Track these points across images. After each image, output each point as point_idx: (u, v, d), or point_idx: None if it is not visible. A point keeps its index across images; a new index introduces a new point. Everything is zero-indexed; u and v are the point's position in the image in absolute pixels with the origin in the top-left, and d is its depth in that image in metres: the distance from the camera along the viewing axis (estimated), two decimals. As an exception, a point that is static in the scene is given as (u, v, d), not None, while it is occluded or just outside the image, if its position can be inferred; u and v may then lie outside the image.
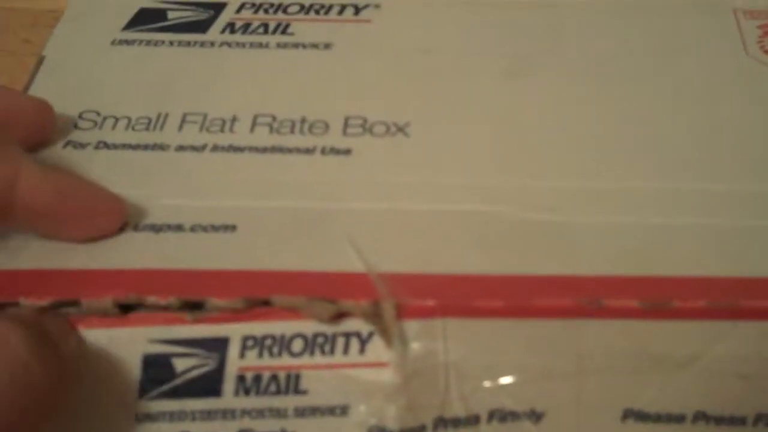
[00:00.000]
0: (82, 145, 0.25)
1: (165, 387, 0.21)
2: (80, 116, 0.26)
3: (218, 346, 0.21)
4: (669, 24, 0.28)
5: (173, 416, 0.21)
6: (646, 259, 0.22)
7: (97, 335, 0.21)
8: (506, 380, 0.21)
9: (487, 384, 0.21)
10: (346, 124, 0.25)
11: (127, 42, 0.28)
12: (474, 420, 0.21)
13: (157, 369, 0.21)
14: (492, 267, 0.22)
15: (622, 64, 0.27)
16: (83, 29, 0.29)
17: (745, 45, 0.28)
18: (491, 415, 0.21)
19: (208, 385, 0.21)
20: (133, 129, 0.26)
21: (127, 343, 0.21)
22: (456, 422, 0.21)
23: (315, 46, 0.28)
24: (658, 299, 0.21)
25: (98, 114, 0.26)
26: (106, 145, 0.25)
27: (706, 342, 0.21)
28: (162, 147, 0.25)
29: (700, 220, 0.23)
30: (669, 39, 0.28)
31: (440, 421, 0.21)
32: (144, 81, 0.27)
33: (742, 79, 0.27)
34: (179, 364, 0.21)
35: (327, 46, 0.28)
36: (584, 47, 0.28)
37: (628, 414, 0.21)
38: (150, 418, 0.21)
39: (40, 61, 0.28)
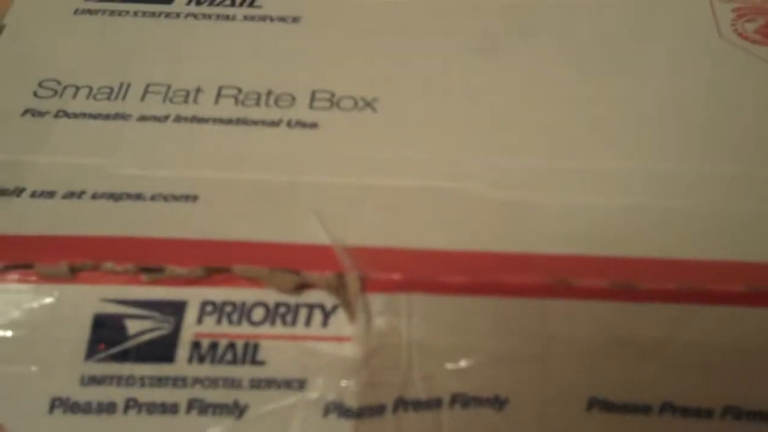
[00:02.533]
0: (41, 114, 0.25)
1: (115, 349, 0.21)
2: (40, 85, 0.26)
3: (175, 309, 0.21)
4: (643, 6, 0.29)
5: (121, 381, 0.21)
6: (615, 239, 0.22)
7: (45, 291, 0.21)
8: (469, 362, 0.21)
9: (449, 365, 0.21)
10: (313, 98, 0.25)
11: (90, 11, 0.28)
12: (435, 403, 0.21)
13: (107, 330, 0.21)
14: (459, 243, 0.22)
15: (596, 45, 0.27)
16: (44, -1, 0.29)
17: (719, 28, 0.28)
18: (453, 400, 0.21)
19: (161, 350, 0.21)
20: (94, 98, 0.25)
21: (77, 301, 0.21)
22: (417, 404, 0.21)
23: (283, 19, 0.28)
24: (625, 280, 0.21)
25: (59, 83, 0.26)
26: (66, 114, 0.25)
27: (674, 328, 0.21)
28: (123, 117, 0.25)
29: (669, 202, 0.23)
30: (643, 21, 0.28)
31: (400, 402, 0.21)
32: (106, 51, 0.27)
33: (714, 62, 0.27)
34: (132, 326, 0.21)
35: (295, 19, 0.28)
36: (558, 28, 0.28)
37: (593, 403, 0.21)
38: (96, 381, 0.21)
39: (0, 29, 0.28)
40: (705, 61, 0.27)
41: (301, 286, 0.21)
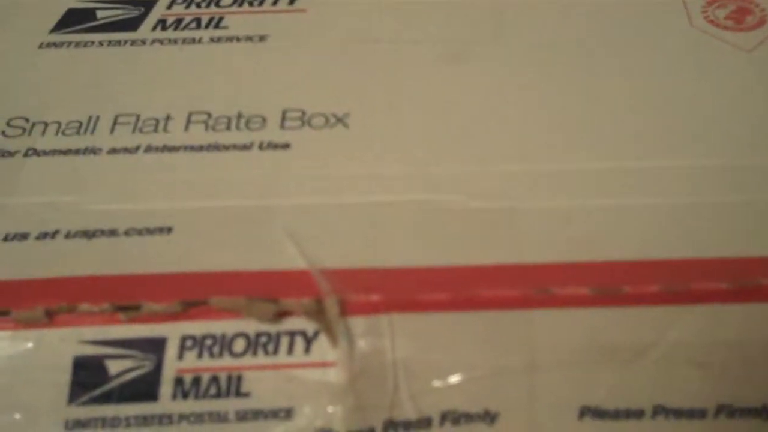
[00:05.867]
0: (10, 154, 0.25)
1: (97, 391, 0.21)
2: (8, 123, 0.26)
3: (155, 346, 0.21)
4: (612, 2, 0.28)
5: (106, 422, 0.21)
6: (596, 243, 0.22)
7: (24, 337, 0.21)
8: (456, 378, 0.21)
9: (437, 383, 0.21)
10: (283, 118, 0.25)
11: (56, 44, 0.28)
12: (425, 423, 0.21)
13: (88, 372, 0.21)
14: (437, 258, 0.22)
15: (565, 44, 0.27)
16: (8, 34, 0.29)
17: (690, 16, 0.28)
18: (443, 417, 0.21)
19: (144, 388, 0.21)
20: (63, 134, 0.25)
21: (56, 345, 0.21)
22: (407, 425, 0.21)
23: (249, 38, 0.28)
24: (608, 285, 0.21)
25: (27, 120, 0.26)
26: (36, 152, 0.25)
27: (660, 329, 0.21)
28: (94, 151, 0.25)
29: (650, 199, 0.23)
30: (612, 15, 0.28)
31: (390, 424, 0.21)
32: (74, 84, 0.27)
33: (687, 51, 0.27)
34: (113, 367, 0.21)
35: (262, 38, 0.28)
36: (526, 29, 0.28)
37: (585, 411, 0.21)
38: (81, 424, 0.21)
39: (-35, 67, 0.28)
40: (678, 51, 0.27)
41: (281, 314, 0.21)
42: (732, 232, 0.22)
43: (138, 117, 0.26)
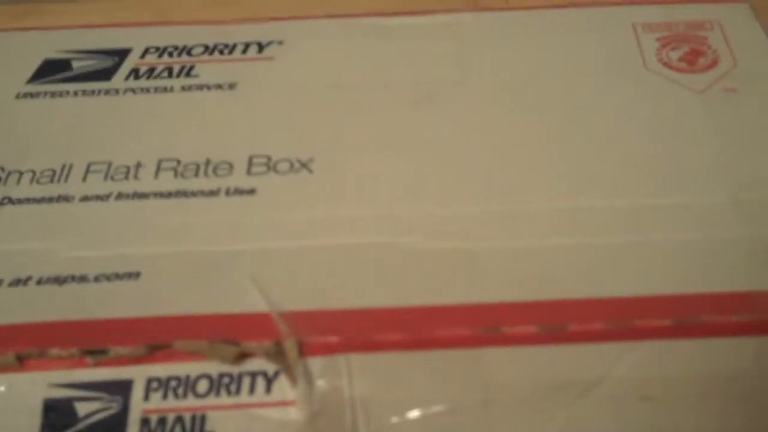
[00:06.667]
0: None
1: None
2: (-16, 173, 0.26)
3: (122, 388, 0.22)
4: (570, 43, 0.30)
5: None
6: (546, 282, 0.23)
7: None
8: (413, 415, 0.22)
9: (394, 420, 0.22)
10: (250, 164, 0.26)
11: (32, 95, 0.29)
12: None
13: (58, 414, 0.22)
14: (394, 299, 0.23)
15: (526, 87, 0.28)
16: (-14, 84, 0.29)
17: (644, 59, 0.29)
18: None
19: (112, 429, 0.22)
20: (37, 182, 0.26)
21: (26, 389, 0.22)
22: (367, 461, 0.22)
23: (219, 86, 0.29)
24: (555, 323, 0.21)
25: (3, 169, 0.27)
26: (11, 201, 0.26)
27: (606, 365, 0.22)
28: (66, 198, 0.26)
29: (597, 238, 0.24)
30: (571, 58, 0.29)
31: (350, 460, 0.22)
32: (49, 133, 0.28)
33: (641, 93, 0.28)
34: (81, 409, 0.22)
35: (231, 86, 0.29)
36: (489, 73, 0.29)
37: None
38: None
39: (-56, 118, 0.29)
40: (632, 94, 0.28)
41: (242, 356, 0.22)
42: (674, 269, 0.23)
43: (110, 165, 0.27)
